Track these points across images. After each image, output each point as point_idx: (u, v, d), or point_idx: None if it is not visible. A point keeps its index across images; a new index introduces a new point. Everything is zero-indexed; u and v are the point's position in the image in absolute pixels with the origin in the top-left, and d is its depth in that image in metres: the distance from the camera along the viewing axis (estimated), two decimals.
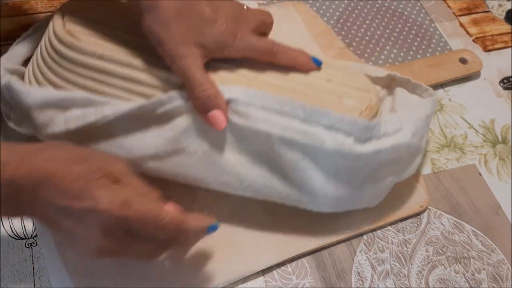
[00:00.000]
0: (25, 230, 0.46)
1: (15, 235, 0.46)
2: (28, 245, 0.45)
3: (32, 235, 0.46)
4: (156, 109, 0.43)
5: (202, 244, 0.46)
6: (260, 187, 0.45)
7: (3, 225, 0.46)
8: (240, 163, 0.44)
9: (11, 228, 0.46)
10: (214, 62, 0.45)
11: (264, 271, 0.46)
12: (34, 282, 0.43)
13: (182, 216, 0.38)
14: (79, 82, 0.45)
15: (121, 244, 0.37)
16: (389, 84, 0.55)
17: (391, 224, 0.51)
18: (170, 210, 0.38)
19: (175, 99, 0.43)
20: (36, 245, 0.46)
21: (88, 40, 0.45)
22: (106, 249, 0.36)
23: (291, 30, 0.64)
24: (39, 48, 0.49)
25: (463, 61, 0.65)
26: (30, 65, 0.49)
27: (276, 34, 0.63)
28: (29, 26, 0.59)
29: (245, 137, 0.44)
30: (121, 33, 0.46)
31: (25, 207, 0.36)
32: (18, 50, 0.50)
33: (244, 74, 0.46)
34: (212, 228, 0.40)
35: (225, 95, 0.43)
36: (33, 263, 0.44)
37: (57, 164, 0.36)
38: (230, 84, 0.44)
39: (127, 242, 0.37)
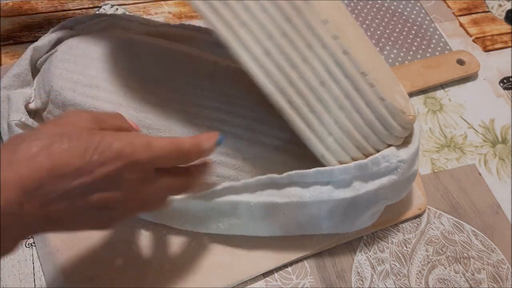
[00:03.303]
0: None
1: None
2: (28, 245, 0.45)
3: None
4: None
5: (202, 248, 0.46)
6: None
7: None
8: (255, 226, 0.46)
9: None
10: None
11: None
12: (34, 282, 0.43)
13: (196, 138, 0.37)
14: None
15: (158, 185, 0.35)
16: None
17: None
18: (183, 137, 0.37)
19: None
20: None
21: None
22: (156, 196, 0.36)
23: None
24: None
25: (460, 62, 0.65)
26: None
27: None
28: (29, 26, 0.59)
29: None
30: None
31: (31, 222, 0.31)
32: (16, 71, 0.49)
33: None
34: (220, 141, 0.39)
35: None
36: (33, 263, 0.44)
37: (43, 159, 0.30)
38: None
39: (160, 182, 0.35)
